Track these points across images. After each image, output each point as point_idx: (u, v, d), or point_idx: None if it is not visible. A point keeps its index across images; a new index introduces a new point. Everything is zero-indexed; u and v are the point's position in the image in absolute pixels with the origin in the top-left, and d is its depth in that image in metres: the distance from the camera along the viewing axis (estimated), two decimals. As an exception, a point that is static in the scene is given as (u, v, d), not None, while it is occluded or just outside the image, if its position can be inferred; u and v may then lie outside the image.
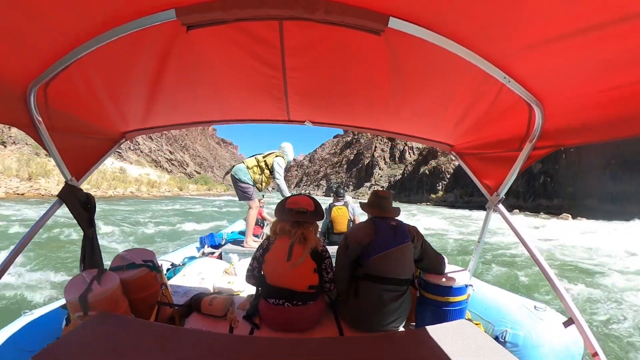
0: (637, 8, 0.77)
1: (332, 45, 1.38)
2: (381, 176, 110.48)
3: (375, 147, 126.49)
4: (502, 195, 1.91)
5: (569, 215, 31.95)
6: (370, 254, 1.88)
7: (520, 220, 25.00)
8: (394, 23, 1.10)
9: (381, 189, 2.19)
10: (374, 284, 1.86)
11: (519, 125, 1.61)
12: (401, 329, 1.95)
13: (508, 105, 1.55)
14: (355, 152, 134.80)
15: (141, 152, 61.82)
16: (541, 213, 38.17)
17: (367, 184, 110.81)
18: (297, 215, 1.92)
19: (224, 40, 1.35)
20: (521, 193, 49.54)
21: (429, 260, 2.01)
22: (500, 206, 1.93)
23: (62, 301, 2.11)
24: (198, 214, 20.03)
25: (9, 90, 1.35)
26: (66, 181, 1.85)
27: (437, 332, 1.44)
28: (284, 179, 4.12)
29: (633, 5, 0.77)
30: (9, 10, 0.97)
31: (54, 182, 29.58)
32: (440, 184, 73.51)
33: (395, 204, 2.17)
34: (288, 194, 4.01)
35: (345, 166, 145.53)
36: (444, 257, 2.09)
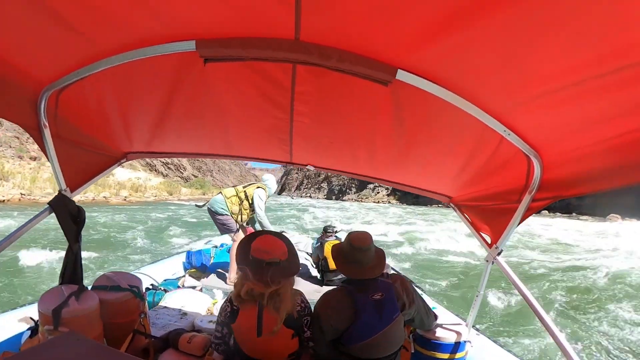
0: (632, 60, 0.83)
1: (340, 94, 1.45)
2: None
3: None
4: (501, 248, 1.88)
5: (618, 216, 28.80)
6: (351, 341, 1.53)
7: (566, 225, 22.42)
8: (401, 75, 1.17)
9: (357, 232, 1.65)
10: None
11: (517, 177, 1.63)
12: None
13: (507, 158, 1.59)
14: None
15: None
16: (573, 213, 34.76)
17: (371, 186, 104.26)
18: (268, 270, 1.42)
19: (237, 76, 1.41)
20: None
21: (420, 321, 1.76)
22: (499, 259, 1.89)
23: (23, 311, 1.95)
24: (164, 227, 15.57)
25: (23, 89, 1.38)
26: (60, 190, 1.82)
27: None
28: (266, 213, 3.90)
29: (628, 57, 0.83)
30: (42, 14, 1.02)
31: (9, 186, 26.35)
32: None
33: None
34: (270, 228, 3.77)
35: None
36: (435, 312, 1.94)
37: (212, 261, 4.17)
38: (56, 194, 1.83)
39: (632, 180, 1.13)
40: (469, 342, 1.92)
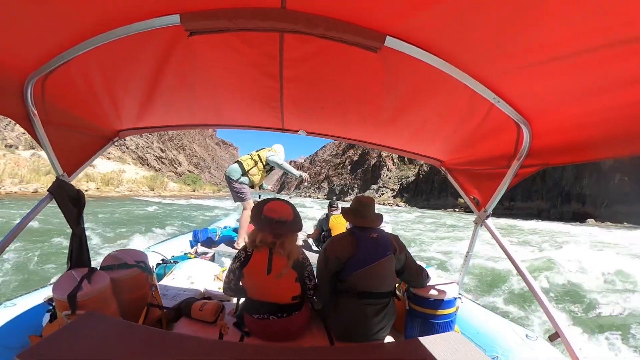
0: (624, 34, 0.82)
1: (329, 59, 1.43)
2: (389, 178, 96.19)
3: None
4: (490, 211, 1.97)
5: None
6: (350, 270, 1.82)
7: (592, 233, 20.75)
8: (390, 42, 1.16)
9: (364, 195, 2.09)
10: (355, 299, 1.82)
11: (507, 144, 1.67)
12: (389, 338, 1.96)
13: (497, 124, 1.61)
14: (359, 152, 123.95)
15: (127, 148, 57.10)
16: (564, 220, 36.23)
17: (374, 186, 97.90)
18: (277, 226, 1.76)
19: (224, 47, 1.38)
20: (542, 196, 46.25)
21: (410, 272, 1.99)
22: (488, 221, 1.98)
23: (43, 292, 2.06)
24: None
25: (7, 80, 1.34)
26: (57, 176, 1.84)
27: (428, 343, 1.46)
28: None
29: (620, 31, 0.82)
30: (21, 2, 0.97)
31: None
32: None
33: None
34: (296, 172, 4.37)
35: (348, 167, 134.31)
36: (426, 270, 2.10)
37: (218, 238, 4.32)
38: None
39: (619, 152, 1.17)
40: (460, 298, 2.08)
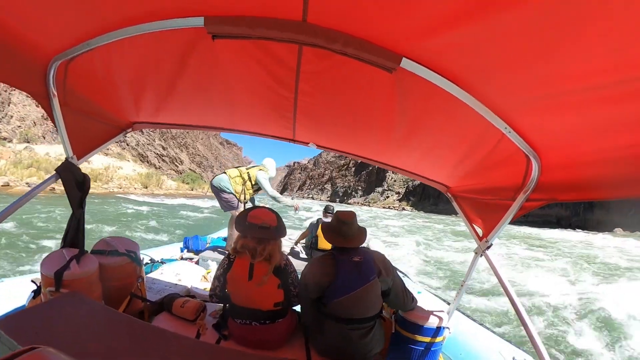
0: (636, 75, 0.82)
1: (344, 76, 1.45)
2: (395, 180, 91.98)
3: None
4: (491, 242, 1.93)
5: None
6: (331, 297, 1.72)
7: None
8: (406, 64, 1.17)
9: (344, 211, 1.95)
10: (339, 324, 1.73)
11: (515, 176, 1.64)
12: None
13: (507, 155, 1.59)
14: None
15: (127, 145, 56.00)
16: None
17: (379, 189, 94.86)
18: (261, 232, 1.77)
19: (244, 53, 1.41)
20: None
21: (396, 296, 1.89)
22: (488, 252, 1.93)
23: (31, 275, 2.07)
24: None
25: (33, 59, 1.40)
26: (67, 157, 1.89)
27: None
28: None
29: (637, 69, 0.81)
30: None
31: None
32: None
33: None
34: (289, 202, 4.19)
35: (352, 169, 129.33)
36: (412, 294, 2.02)
37: (207, 246, 4.33)
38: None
39: (629, 193, 1.14)
40: (448, 328, 2.02)
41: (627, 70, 0.84)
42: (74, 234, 1.87)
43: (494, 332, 2.36)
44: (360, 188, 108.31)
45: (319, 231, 4.24)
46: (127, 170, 42.58)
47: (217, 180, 3.92)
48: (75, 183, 1.90)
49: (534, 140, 1.40)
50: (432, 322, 1.94)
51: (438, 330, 1.96)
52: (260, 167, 4.13)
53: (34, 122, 38.92)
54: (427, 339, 1.93)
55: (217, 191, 3.90)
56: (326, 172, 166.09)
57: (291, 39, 1.16)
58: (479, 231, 2.08)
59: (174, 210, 20.91)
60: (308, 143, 2.63)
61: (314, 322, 1.82)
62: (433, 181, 2.57)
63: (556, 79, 0.99)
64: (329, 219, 4.32)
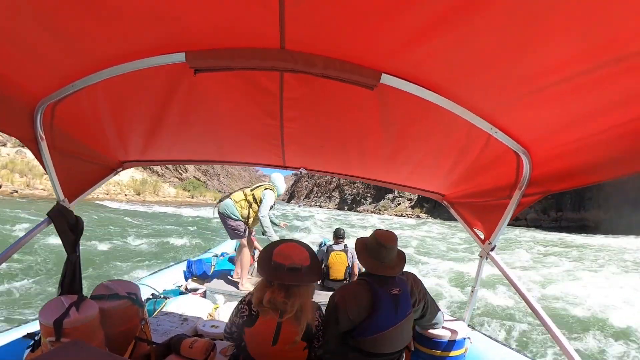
0: (613, 54, 0.85)
1: (327, 99, 1.49)
2: None
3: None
4: (494, 243, 1.92)
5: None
6: (364, 334, 1.54)
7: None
8: (386, 79, 1.20)
9: (384, 230, 1.68)
10: (366, 357, 1.58)
11: (507, 174, 1.67)
12: None
13: (496, 155, 1.62)
14: None
15: None
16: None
17: (389, 196, 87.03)
18: (290, 275, 1.44)
19: (227, 85, 1.44)
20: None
21: (429, 320, 1.82)
22: (493, 254, 1.92)
23: (25, 329, 1.94)
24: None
25: (19, 102, 1.39)
26: (58, 201, 1.84)
27: None
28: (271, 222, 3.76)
29: (609, 51, 0.85)
30: (36, 27, 1.03)
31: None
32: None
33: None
34: (274, 238, 3.56)
35: None
36: (441, 310, 1.99)
37: (212, 270, 4.13)
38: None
39: (620, 172, 1.16)
40: (469, 338, 1.95)
41: (597, 54, 0.87)
42: (70, 279, 1.79)
43: (510, 347, 2.27)
44: (369, 195, 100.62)
45: (330, 261, 4.12)
46: (121, 176, 37.79)
47: (223, 207, 3.63)
48: (68, 226, 1.84)
49: (520, 137, 1.44)
50: (454, 334, 1.87)
51: (459, 342, 1.88)
52: (267, 185, 3.83)
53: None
54: (450, 353, 1.85)
55: (224, 218, 3.63)
56: (333, 179, 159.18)
57: (272, 66, 1.19)
58: (481, 235, 2.08)
59: (156, 219, 18.86)
60: (299, 168, 2.65)
61: (335, 354, 1.62)
62: (427, 191, 2.60)
63: (533, 75, 1.03)
64: (339, 247, 4.24)
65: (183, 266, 4.15)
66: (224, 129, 1.98)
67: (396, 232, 1.77)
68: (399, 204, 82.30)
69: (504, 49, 0.95)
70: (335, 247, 4.27)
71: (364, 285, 1.60)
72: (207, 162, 2.76)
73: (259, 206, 3.67)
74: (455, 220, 2.38)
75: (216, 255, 4.71)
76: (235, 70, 1.23)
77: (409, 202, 78.86)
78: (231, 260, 4.36)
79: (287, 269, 1.45)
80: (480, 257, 2.04)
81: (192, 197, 47.93)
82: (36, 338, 1.55)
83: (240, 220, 3.61)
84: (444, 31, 0.92)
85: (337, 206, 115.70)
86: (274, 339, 1.44)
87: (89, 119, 1.73)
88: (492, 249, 1.93)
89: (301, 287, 1.48)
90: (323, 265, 4.18)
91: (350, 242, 4.97)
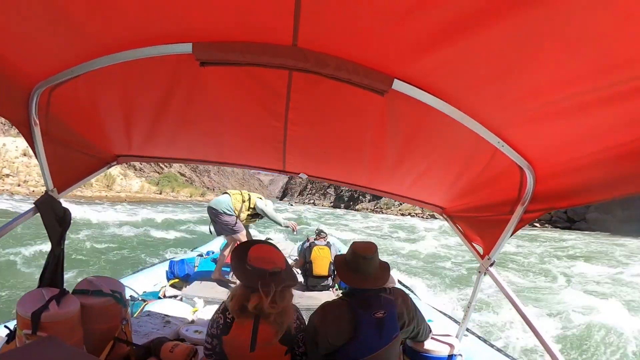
0: (624, 74, 0.85)
1: (335, 103, 1.46)
2: None
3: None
4: (494, 259, 1.90)
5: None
6: (345, 357, 1.46)
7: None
8: (398, 85, 1.18)
9: (361, 242, 1.62)
10: None
11: (510, 189, 1.65)
12: None
13: (500, 170, 1.61)
14: None
15: None
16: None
17: None
18: (273, 280, 1.39)
19: (233, 81, 1.40)
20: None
21: (417, 335, 1.76)
22: (492, 269, 1.90)
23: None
24: None
25: (15, 85, 1.34)
26: (47, 190, 1.77)
27: None
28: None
29: (619, 71, 0.85)
30: (39, 8, 1.00)
31: None
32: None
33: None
34: (284, 223, 4.04)
35: None
36: (430, 325, 1.95)
37: (195, 270, 4.08)
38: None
39: (625, 192, 1.15)
40: (460, 355, 1.91)
41: (607, 74, 0.87)
42: (52, 272, 1.71)
43: (507, 354, 2.25)
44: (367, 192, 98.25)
45: (312, 256, 4.06)
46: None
47: (217, 202, 3.79)
48: (55, 218, 1.78)
49: (526, 151, 1.42)
50: (443, 350, 1.84)
51: (449, 358, 1.85)
52: (260, 196, 4.11)
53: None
54: None
55: (217, 214, 3.73)
56: None
57: (281, 64, 1.15)
58: (480, 250, 2.07)
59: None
60: (299, 173, 2.62)
61: None
62: (427, 204, 2.58)
63: (544, 88, 1.03)
64: (322, 242, 4.22)
65: (165, 266, 4.09)
66: (225, 128, 1.94)
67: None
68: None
69: (517, 61, 0.95)
70: (317, 242, 4.22)
71: (345, 307, 1.52)
72: (205, 163, 2.68)
73: (249, 206, 3.93)
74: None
75: (201, 255, 4.66)
76: (243, 66, 1.19)
77: (413, 201, 74.19)
78: (214, 260, 4.32)
79: (270, 273, 1.40)
80: (479, 272, 2.01)
81: (160, 193, 40.27)
82: (11, 328, 1.46)
83: (234, 215, 3.76)
84: (459, 39, 0.92)
85: (332, 204, 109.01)
86: (251, 343, 1.40)
87: (87, 109, 1.68)
88: (491, 265, 1.91)
89: (284, 291, 1.44)
90: (307, 261, 4.12)
91: (332, 239, 4.90)
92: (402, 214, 63.87)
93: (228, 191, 4.00)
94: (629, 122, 0.99)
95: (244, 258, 1.46)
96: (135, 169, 51.71)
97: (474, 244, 2.12)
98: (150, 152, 2.40)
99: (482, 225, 2.07)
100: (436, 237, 20.04)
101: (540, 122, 1.20)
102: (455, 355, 1.87)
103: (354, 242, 1.65)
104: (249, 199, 3.96)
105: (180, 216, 21.41)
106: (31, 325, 1.28)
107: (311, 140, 1.96)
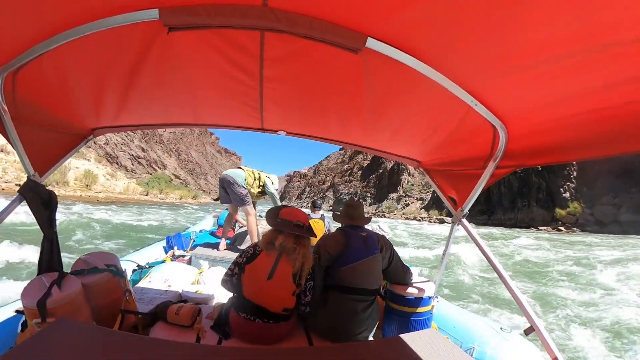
0: (601, 41, 0.86)
1: (309, 60, 1.44)
2: (412, 185, 74.62)
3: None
4: (466, 210, 2.05)
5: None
6: (339, 265, 1.92)
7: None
8: (371, 43, 1.17)
9: (353, 199, 2.23)
10: (343, 295, 1.89)
11: (483, 145, 1.73)
12: (370, 338, 2.00)
13: (474, 126, 1.67)
14: (370, 157, 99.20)
15: (94, 143, 47.40)
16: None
17: (394, 195, 75.63)
18: (296, 229, 1.81)
19: (204, 44, 1.36)
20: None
21: (395, 270, 2.07)
22: (464, 220, 2.06)
23: (17, 304, 1.95)
24: None
25: None
26: (28, 176, 1.74)
27: (406, 340, 1.50)
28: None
29: (597, 38, 0.86)
30: None
31: None
32: (565, 190, 36.17)
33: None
34: (279, 202, 4.37)
35: (358, 173, 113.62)
36: (410, 269, 2.18)
37: (192, 244, 4.25)
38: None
39: (592, 154, 1.23)
40: (436, 297, 2.16)
41: (583, 38, 0.87)
42: (48, 257, 1.76)
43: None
44: (369, 195, 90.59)
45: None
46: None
47: (234, 173, 3.98)
48: (41, 202, 1.77)
49: (500, 111, 1.47)
50: (422, 292, 2.06)
51: (427, 300, 2.09)
52: (267, 175, 4.33)
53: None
54: (419, 309, 2.06)
55: (231, 184, 3.91)
56: (327, 178, 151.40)
57: (252, 25, 1.13)
58: (454, 202, 2.21)
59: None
60: (277, 131, 2.61)
61: (319, 301, 1.93)
62: (405, 157, 2.66)
63: (519, 52, 1.03)
64: (316, 215, 4.68)
65: (163, 243, 4.26)
66: (199, 90, 1.89)
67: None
68: (407, 204, 69.60)
69: (493, 23, 0.95)
70: (312, 215, 4.64)
71: (340, 230, 2.14)
72: (182, 126, 2.64)
73: (259, 184, 4.20)
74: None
75: (195, 232, 4.82)
76: (213, 29, 1.16)
77: (420, 202, 66.83)
78: (212, 234, 4.55)
79: (294, 224, 1.82)
80: (452, 222, 2.19)
81: (147, 195, 38.05)
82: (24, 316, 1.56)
83: (247, 189, 3.99)
84: None
85: (331, 207, 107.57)
86: (270, 272, 1.73)
87: (55, 86, 1.60)
88: (464, 216, 2.07)
89: (305, 239, 1.86)
90: None
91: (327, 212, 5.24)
92: (406, 218, 56.76)
93: (242, 167, 4.21)
94: (601, 88, 1.02)
95: (277, 214, 1.89)
96: (127, 170, 49.56)
97: (449, 196, 2.26)
98: (126, 121, 2.33)
99: (456, 178, 2.18)
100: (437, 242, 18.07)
101: (514, 84, 1.22)
102: (431, 297, 2.11)
103: (346, 200, 2.29)
104: (259, 177, 4.22)
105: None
106: (39, 313, 1.36)
107: (288, 97, 1.94)
